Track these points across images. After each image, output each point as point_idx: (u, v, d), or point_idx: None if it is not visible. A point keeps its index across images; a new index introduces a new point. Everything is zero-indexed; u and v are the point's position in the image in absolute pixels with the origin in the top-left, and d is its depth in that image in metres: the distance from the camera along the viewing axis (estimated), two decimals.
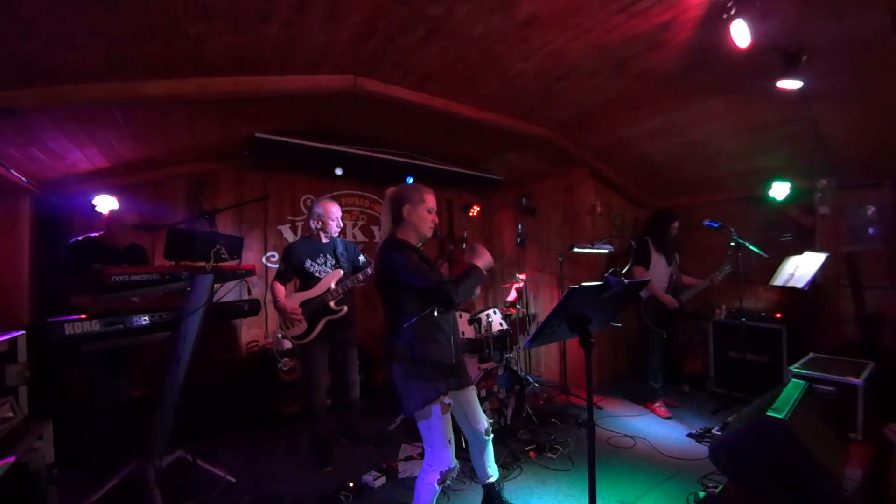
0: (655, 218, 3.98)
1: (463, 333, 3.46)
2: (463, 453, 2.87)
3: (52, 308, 2.51)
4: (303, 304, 2.82)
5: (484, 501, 2.27)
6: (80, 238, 2.71)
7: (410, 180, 4.61)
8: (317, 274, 2.87)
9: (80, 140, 2.84)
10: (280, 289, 2.87)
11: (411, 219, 1.98)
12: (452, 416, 2.01)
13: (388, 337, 1.94)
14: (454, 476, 1.93)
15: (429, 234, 2.03)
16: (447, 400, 1.89)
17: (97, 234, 2.76)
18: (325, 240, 2.96)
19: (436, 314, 1.90)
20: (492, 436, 2.16)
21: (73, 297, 2.49)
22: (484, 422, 2.12)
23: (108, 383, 2.69)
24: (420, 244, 2.04)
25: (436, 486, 1.88)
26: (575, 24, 2.26)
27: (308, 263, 2.86)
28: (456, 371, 1.97)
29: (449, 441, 1.87)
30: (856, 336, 3.58)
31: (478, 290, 2.01)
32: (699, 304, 4.35)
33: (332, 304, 2.81)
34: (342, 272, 2.91)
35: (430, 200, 2.03)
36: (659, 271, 3.74)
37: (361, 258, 3.08)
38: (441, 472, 1.87)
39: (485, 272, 1.93)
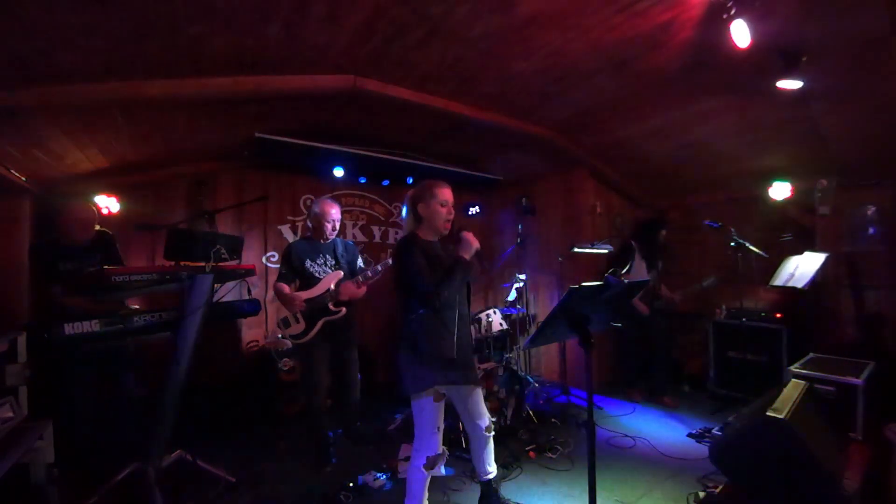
0: (644, 224, 4.13)
1: None
2: (463, 453, 2.89)
3: (50, 309, 2.51)
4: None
5: (481, 498, 2.29)
6: (36, 242, 2.67)
7: (410, 180, 4.61)
8: (317, 275, 2.86)
9: (80, 140, 2.84)
10: (285, 287, 2.86)
11: (426, 215, 2.06)
12: (454, 411, 2.15)
13: (399, 325, 2.07)
14: (442, 463, 2.01)
15: (444, 227, 2.08)
16: (442, 390, 1.97)
17: (54, 238, 2.67)
18: (325, 240, 2.94)
19: (435, 310, 1.97)
20: (492, 433, 2.19)
21: (67, 298, 2.47)
22: (485, 419, 2.15)
23: (114, 383, 2.68)
24: (437, 238, 2.12)
25: (423, 470, 1.96)
26: (575, 24, 2.26)
27: (308, 264, 2.85)
28: (457, 366, 2.00)
29: (437, 429, 1.97)
30: (856, 336, 3.58)
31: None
32: (699, 303, 4.35)
33: (331, 305, 2.81)
34: (342, 273, 2.90)
35: (443, 194, 2.07)
36: (638, 277, 3.79)
37: (360, 260, 3.07)
38: (427, 455, 1.96)
39: (471, 260, 2.00)
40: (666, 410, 3.73)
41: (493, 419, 2.27)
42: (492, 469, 2.23)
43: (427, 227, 2.09)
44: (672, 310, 4.06)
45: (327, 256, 2.92)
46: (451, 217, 2.08)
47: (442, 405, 1.99)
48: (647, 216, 4.27)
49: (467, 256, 1.99)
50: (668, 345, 4.12)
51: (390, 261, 2.59)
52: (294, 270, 2.86)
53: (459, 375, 2.02)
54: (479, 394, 2.16)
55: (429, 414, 1.96)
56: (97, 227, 2.76)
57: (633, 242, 3.95)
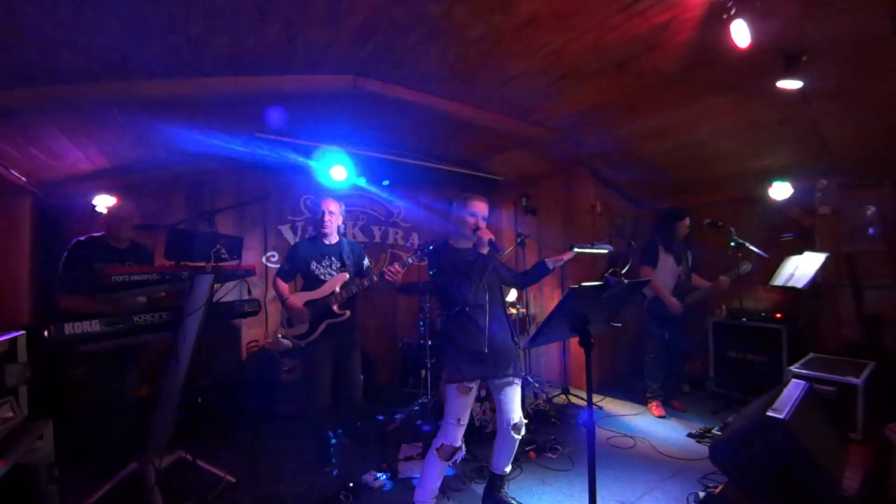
0: (663, 216, 3.95)
1: None
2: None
3: (49, 309, 2.50)
4: (306, 305, 2.81)
5: (486, 488, 2.39)
6: (82, 238, 2.68)
7: (411, 181, 4.61)
8: (322, 276, 2.84)
9: (80, 140, 2.84)
10: (284, 286, 2.85)
11: (456, 221, 2.24)
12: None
13: (440, 322, 2.28)
14: (458, 459, 2.14)
15: (470, 235, 2.19)
16: (468, 384, 2.10)
17: (100, 234, 2.74)
18: (330, 241, 2.93)
19: (467, 308, 2.15)
20: (520, 435, 2.20)
21: (65, 299, 2.46)
22: (512, 416, 2.19)
23: (117, 382, 2.68)
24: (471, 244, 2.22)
25: (439, 458, 2.09)
26: (575, 24, 2.25)
27: (313, 266, 2.84)
28: (488, 361, 2.13)
29: (458, 420, 2.10)
30: (856, 336, 3.58)
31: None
32: (699, 303, 4.33)
33: (335, 307, 2.80)
34: (347, 276, 2.89)
35: (473, 206, 2.19)
36: (666, 272, 3.72)
37: (365, 262, 3.06)
38: (444, 443, 2.09)
39: (487, 254, 2.13)
40: (674, 413, 3.69)
41: (526, 421, 2.30)
42: (505, 468, 2.30)
43: (458, 233, 2.25)
44: (716, 299, 4.00)
45: (332, 259, 2.90)
46: (479, 229, 2.16)
47: (466, 400, 2.10)
48: (665, 209, 4.13)
49: (484, 251, 2.11)
50: (685, 345, 3.98)
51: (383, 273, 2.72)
52: (298, 270, 2.86)
53: (491, 370, 2.15)
54: (514, 389, 2.22)
55: (450, 402, 2.12)
56: (133, 237, 2.80)
57: (655, 237, 3.81)
